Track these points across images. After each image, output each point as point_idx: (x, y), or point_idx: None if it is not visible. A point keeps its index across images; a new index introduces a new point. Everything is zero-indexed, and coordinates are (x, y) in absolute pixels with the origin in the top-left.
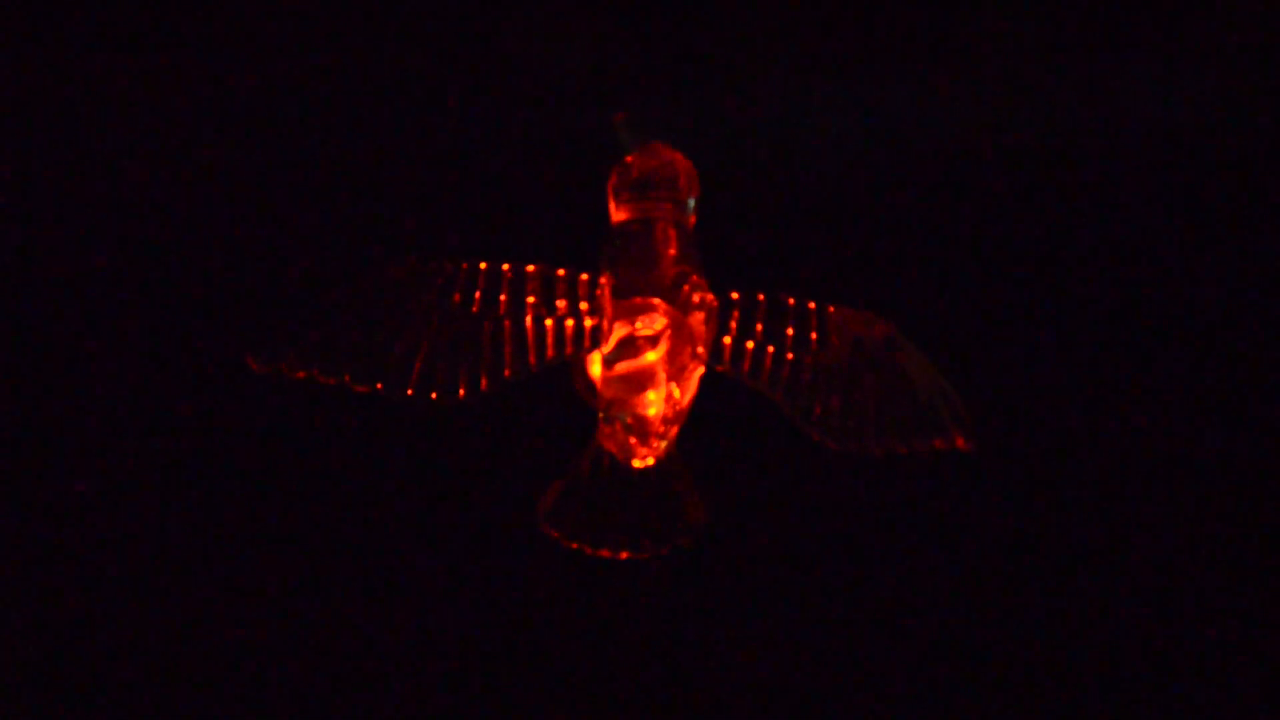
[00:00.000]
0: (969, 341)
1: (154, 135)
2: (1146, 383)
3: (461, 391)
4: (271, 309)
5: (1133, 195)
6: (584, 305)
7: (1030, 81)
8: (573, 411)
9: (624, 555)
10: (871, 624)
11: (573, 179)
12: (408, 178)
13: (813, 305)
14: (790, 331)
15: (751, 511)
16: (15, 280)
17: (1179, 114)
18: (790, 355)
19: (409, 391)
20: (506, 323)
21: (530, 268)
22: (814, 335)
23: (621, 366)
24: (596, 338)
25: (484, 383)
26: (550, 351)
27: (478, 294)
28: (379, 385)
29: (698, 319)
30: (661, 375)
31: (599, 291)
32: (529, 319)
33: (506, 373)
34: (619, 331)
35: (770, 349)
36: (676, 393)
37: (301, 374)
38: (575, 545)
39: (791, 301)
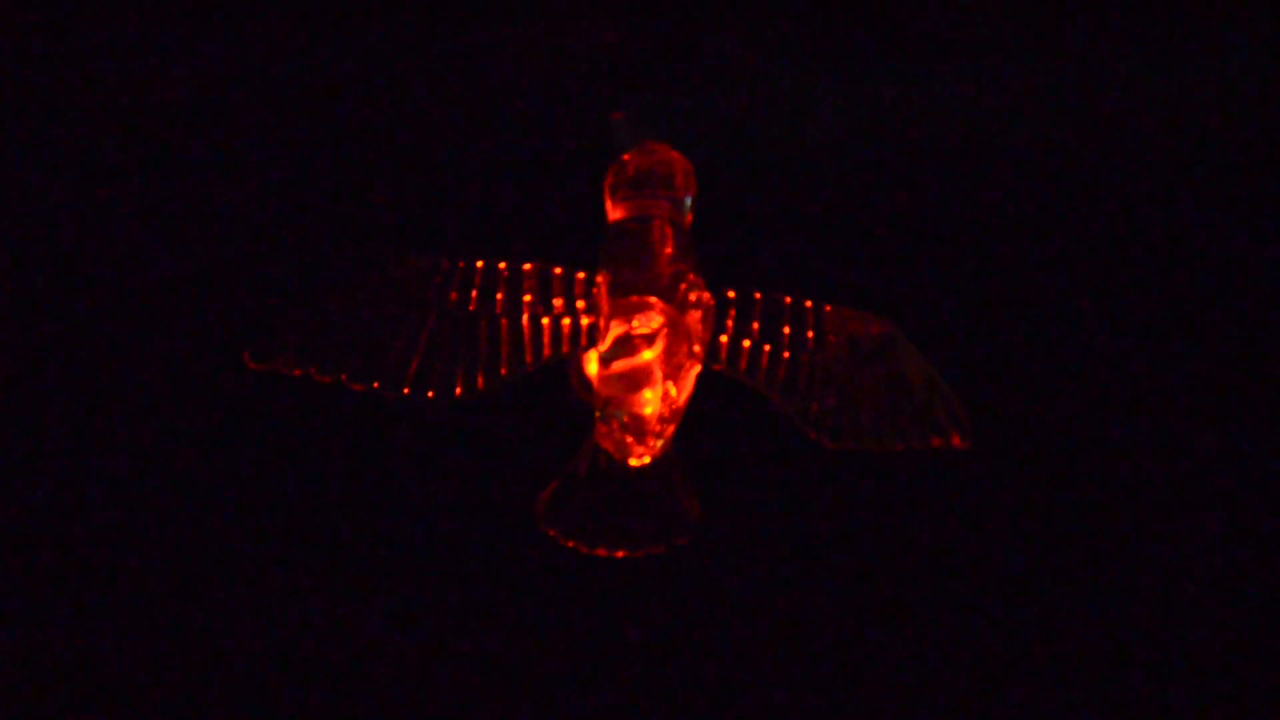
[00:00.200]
0: (966, 340)
1: (154, 135)
2: (1144, 382)
3: (458, 390)
4: (269, 307)
5: (1132, 195)
6: (581, 304)
7: (1030, 81)
8: (570, 410)
9: (620, 554)
10: (868, 622)
11: (570, 177)
12: (406, 177)
13: (809, 304)
14: (787, 330)
15: (748, 510)
16: (15, 280)
17: (1179, 114)
18: (787, 354)
19: (405, 390)
20: (503, 321)
21: (527, 266)
22: (810, 334)
23: (618, 365)
24: (593, 336)
25: (481, 381)
26: (547, 350)
27: (474, 292)
28: (375, 384)
29: (694, 317)
30: (658, 374)
31: (596, 290)
32: (526, 317)
33: (503, 371)
34: (616, 330)
35: (767, 348)
36: (673, 391)
37: (298, 372)
38: (572, 543)
39: (788, 300)
